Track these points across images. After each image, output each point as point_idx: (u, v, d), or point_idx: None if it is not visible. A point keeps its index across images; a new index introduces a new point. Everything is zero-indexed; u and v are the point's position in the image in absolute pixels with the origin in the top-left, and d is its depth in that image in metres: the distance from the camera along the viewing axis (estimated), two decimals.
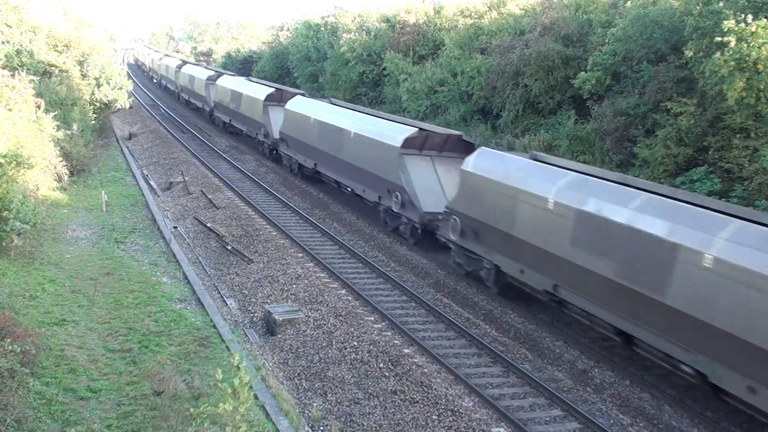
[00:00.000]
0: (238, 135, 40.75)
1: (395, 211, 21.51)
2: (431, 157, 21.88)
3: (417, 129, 21.77)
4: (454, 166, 20.98)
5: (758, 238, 11.07)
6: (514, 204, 16.04)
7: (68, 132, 30.19)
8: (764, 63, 18.38)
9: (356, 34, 47.76)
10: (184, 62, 63.07)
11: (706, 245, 11.53)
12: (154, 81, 77.99)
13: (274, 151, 33.51)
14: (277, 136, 32.42)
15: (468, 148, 21.34)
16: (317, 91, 47.14)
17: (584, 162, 22.55)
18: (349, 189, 25.09)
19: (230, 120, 40.77)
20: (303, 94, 33.90)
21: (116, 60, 52.01)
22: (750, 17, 18.65)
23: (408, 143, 21.32)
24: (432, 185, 21.16)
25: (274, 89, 35.01)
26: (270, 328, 15.70)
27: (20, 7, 35.30)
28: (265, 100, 34.06)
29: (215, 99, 44.26)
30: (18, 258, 18.00)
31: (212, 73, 48.54)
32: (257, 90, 36.20)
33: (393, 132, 22.21)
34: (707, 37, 20.22)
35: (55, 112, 29.57)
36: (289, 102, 31.02)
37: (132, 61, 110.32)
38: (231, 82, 41.44)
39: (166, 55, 78.28)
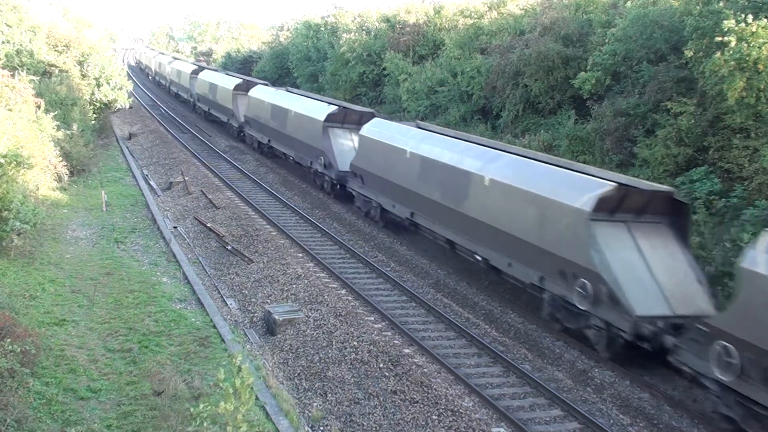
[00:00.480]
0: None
1: (581, 308, 14.30)
2: (626, 224, 14.88)
3: (615, 184, 14.65)
4: (661, 238, 14.84)
5: None
6: None
7: (68, 132, 30.20)
8: (764, 63, 18.39)
9: (356, 34, 47.79)
10: (201, 67, 54.63)
11: None
12: (162, 85, 70.52)
13: (339, 187, 26.34)
14: (344, 168, 25.45)
15: (679, 210, 15.20)
16: (317, 92, 47.09)
17: (584, 162, 22.54)
18: (479, 257, 17.85)
19: (269, 141, 33.57)
20: (373, 114, 27.45)
21: (116, 60, 51.79)
22: (750, 17, 18.66)
23: (602, 204, 14.38)
24: (638, 269, 14.16)
25: (336, 107, 27.65)
26: (270, 328, 15.70)
27: (20, 6, 35.31)
28: (326, 120, 26.80)
29: (247, 114, 36.91)
30: (18, 258, 18.00)
31: (240, 81, 40.85)
32: (313, 108, 28.72)
33: (576, 187, 14.96)
34: (707, 37, 20.23)
35: (55, 112, 29.58)
36: (366, 127, 24.13)
37: (133, 63, 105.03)
38: (269, 95, 34.30)
39: (176, 58, 70.80)
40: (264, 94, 35.02)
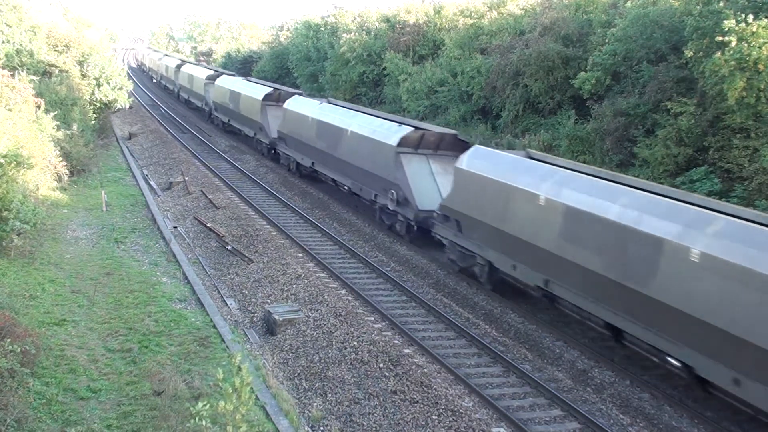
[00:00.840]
0: (236, 134, 40.63)
1: None
2: None
3: None
4: None
5: None
6: None
7: (68, 132, 30.21)
8: (765, 63, 18.40)
9: (356, 34, 47.83)
10: (218, 72, 49.22)
11: None
12: (169, 90, 65.10)
13: (417, 229, 21.25)
14: (425, 207, 20.61)
15: None
16: (317, 92, 47.08)
17: (584, 162, 22.55)
18: (675, 361, 12.71)
19: (313, 164, 28.22)
20: (456, 136, 22.68)
21: (116, 60, 51.63)
22: (750, 17, 18.67)
23: None
24: None
25: (411, 128, 22.02)
26: (270, 328, 15.71)
27: (20, 6, 35.33)
28: (399, 145, 21.42)
29: (281, 129, 31.45)
30: (18, 258, 18.00)
31: (270, 90, 35.16)
32: (379, 128, 23.14)
33: None
34: (707, 37, 20.26)
35: (55, 112, 29.59)
36: (466, 158, 18.30)
37: (134, 65, 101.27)
38: (313, 108, 28.39)
39: (185, 61, 64.45)
40: (305, 107, 29.26)
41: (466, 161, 18.27)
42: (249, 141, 38.24)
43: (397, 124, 23.01)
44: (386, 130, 22.66)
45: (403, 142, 21.49)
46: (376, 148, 22.58)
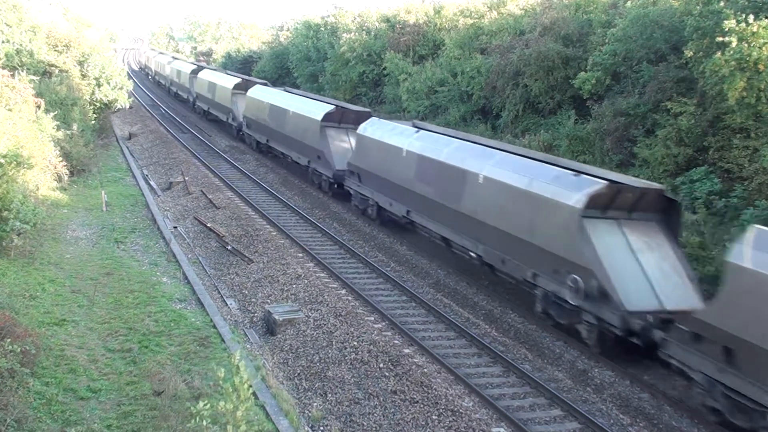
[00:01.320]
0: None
1: None
2: None
3: None
4: None
5: None
6: None
7: (68, 132, 30.21)
8: (765, 63, 18.40)
9: (356, 34, 47.85)
10: (247, 81, 41.35)
11: None
12: (180, 98, 58.78)
13: (619, 337, 13.80)
14: (635, 306, 13.55)
15: None
16: (317, 92, 47.08)
17: (584, 162, 22.54)
18: None
19: (408, 212, 20.93)
20: (661, 191, 15.37)
21: (116, 60, 51.51)
22: (751, 17, 18.68)
23: None
24: None
25: (603, 181, 14.66)
26: (270, 328, 15.71)
27: (20, 6, 35.32)
28: (586, 208, 14.29)
29: (355, 162, 24.26)
30: (18, 258, 18.00)
31: (331, 108, 27.39)
32: (539, 178, 15.61)
33: None
34: (707, 37, 20.26)
35: (55, 112, 29.60)
36: (757, 253, 11.01)
37: (135, 67, 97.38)
38: (404, 139, 21.31)
39: (201, 66, 56.56)
40: (392, 135, 22.16)
41: (752, 256, 11.06)
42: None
43: (572, 172, 15.36)
44: (555, 181, 15.20)
45: (591, 202, 14.31)
46: (539, 208, 15.20)
